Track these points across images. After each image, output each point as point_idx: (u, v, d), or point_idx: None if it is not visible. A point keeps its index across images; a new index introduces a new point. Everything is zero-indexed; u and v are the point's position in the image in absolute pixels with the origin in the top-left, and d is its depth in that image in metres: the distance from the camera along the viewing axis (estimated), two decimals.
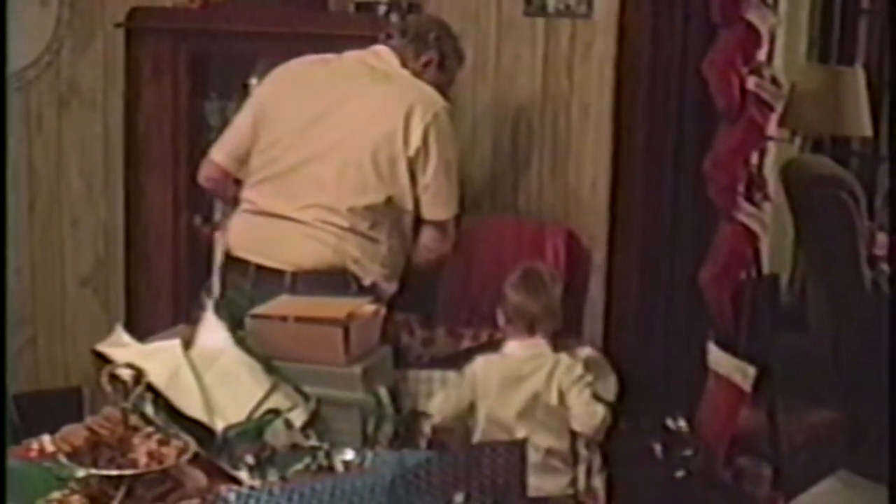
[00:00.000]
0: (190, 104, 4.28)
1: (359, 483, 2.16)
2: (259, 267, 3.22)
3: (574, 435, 3.10)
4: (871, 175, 5.02)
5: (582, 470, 3.13)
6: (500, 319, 3.16)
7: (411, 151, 3.21)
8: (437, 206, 3.32)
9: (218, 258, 3.39)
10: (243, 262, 3.26)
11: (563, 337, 4.04)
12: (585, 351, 3.30)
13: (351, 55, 3.43)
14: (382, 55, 3.40)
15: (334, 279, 3.16)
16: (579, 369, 3.08)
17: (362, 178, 3.20)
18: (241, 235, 3.32)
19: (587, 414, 3.04)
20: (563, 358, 3.10)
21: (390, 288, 3.27)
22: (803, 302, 4.73)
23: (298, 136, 3.29)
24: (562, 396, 3.04)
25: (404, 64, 3.38)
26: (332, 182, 3.20)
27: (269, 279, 3.18)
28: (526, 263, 3.30)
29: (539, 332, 3.12)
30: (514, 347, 3.13)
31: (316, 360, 2.67)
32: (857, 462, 3.83)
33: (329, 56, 3.44)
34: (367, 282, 3.20)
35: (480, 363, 3.11)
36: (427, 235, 3.35)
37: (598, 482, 3.16)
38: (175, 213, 4.30)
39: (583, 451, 3.14)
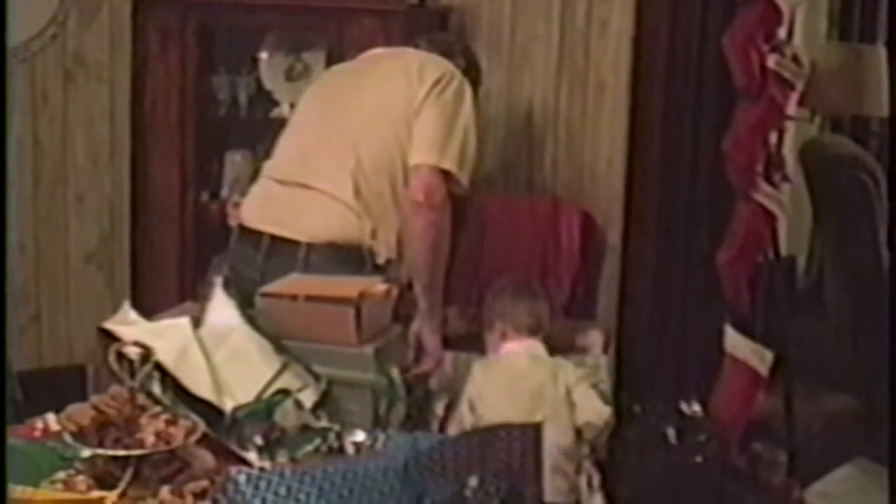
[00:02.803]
0: (198, 78, 4.26)
1: (371, 466, 2.12)
2: (273, 238, 3.18)
3: (577, 439, 3.11)
4: (891, 156, 4.96)
5: (583, 481, 3.12)
6: (497, 329, 3.22)
7: (418, 101, 3.17)
8: (422, 150, 3.14)
9: None
10: (256, 234, 3.22)
11: (577, 318, 4.03)
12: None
13: (377, 49, 3.49)
14: (405, 49, 3.44)
15: (350, 254, 3.13)
16: (581, 371, 3.20)
17: (387, 140, 3.17)
18: (257, 206, 3.29)
19: (593, 409, 3.10)
20: (562, 360, 3.20)
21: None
22: (821, 285, 4.70)
23: (325, 108, 3.32)
24: (567, 394, 3.06)
25: None
26: (357, 145, 3.18)
27: (282, 250, 3.14)
28: (510, 277, 3.41)
29: (538, 336, 3.20)
30: (514, 347, 3.19)
31: (327, 340, 2.64)
32: (874, 449, 3.80)
33: (363, 55, 3.48)
34: (381, 259, 3.17)
35: (478, 368, 3.16)
36: (410, 184, 3.15)
37: (599, 499, 3.16)
38: (182, 188, 4.28)
39: (585, 462, 3.13)
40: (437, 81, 3.17)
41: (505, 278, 3.40)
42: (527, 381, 3.10)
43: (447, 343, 3.34)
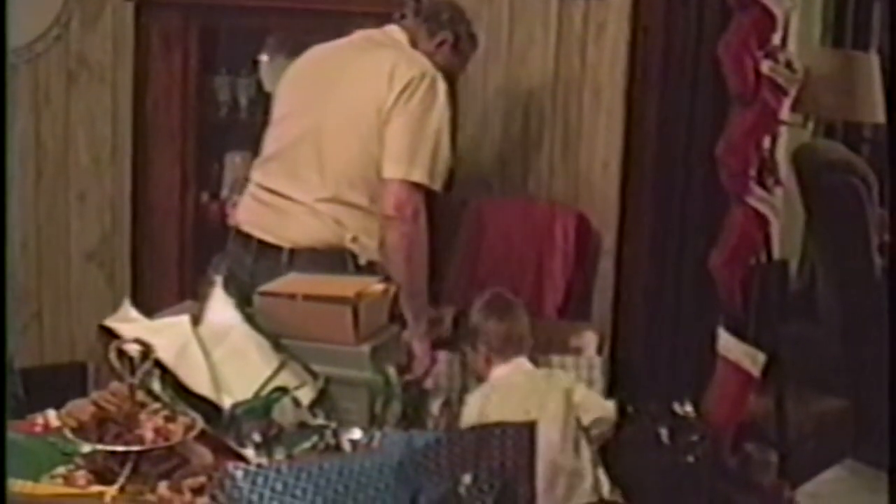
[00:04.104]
0: (199, 79, 4.28)
1: (367, 463, 2.14)
2: (261, 242, 3.25)
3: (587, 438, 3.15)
4: (883, 161, 4.99)
5: (601, 473, 3.15)
6: (481, 352, 3.23)
7: (387, 108, 3.15)
8: (391, 162, 3.13)
9: None
10: (247, 237, 3.29)
11: (572, 319, 4.06)
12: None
13: (358, 33, 3.42)
14: (388, 31, 3.39)
15: (331, 257, 3.16)
16: (571, 373, 3.28)
17: (359, 149, 3.17)
18: (247, 210, 3.35)
19: (599, 405, 3.13)
20: (550, 369, 3.28)
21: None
22: (813, 288, 4.72)
23: (301, 111, 3.31)
24: (567, 398, 3.09)
25: (415, 43, 3.35)
26: (331, 154, 3.20)
27: (268, 255, 3.21)
28: (490, 291, 3.37)
29: (524, 353, 3.23)
30: (503, 371, 3.21)
31: (324, 339, 2.66)
32: (864, 451, 3.83)
33: (341, 40, 3.42)
34: (363, 261, 3.19)
35: (474, 402, 3.15)
36: (382, 197, 3.15)
37: (617, 494, 3.20)
38: (182, 188, 4.30)
39: (596, 459, 3.17)
40: (407, 86, 3.14)
41: (483, 295, 3.37)
42: (527, 399, 3.10)
43: (444, 343, 3.38)
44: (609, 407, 3.19)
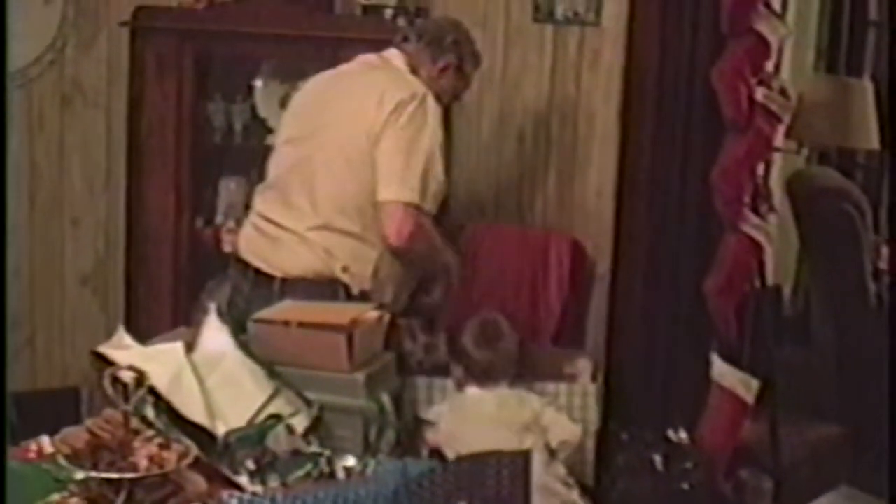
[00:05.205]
0: (194, 105, 4.27)
1: (362, 491, 2.14)
2: (257, 271, 3.27)
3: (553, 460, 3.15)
4: (877, 188, 5.01)
5: (575, 494, 3.15)
6: (459, 372, 3.24)
7: (377, 130, 3.14)
8: (383, 185, 3.13)
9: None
10: (245, 265, 3.31)
11: (566, 346, 4.06)
12: None
13: (359, 59, 3.42)
14: (387, 56, 3.38)
15: (323, 287, 3.16)
16: (544, 398, 3.24)
17: (350, 175, 3.18)
18: (247, 238, 3.36)
19: (566, 428, 3.16)
20: (523, 392, 3.24)
21: (383, 296, 3.20)
22: (807, 314, 4.73)
23: (297, 138, 3.33)
24: (536, 420, 3.10)
25: (416, 68, 3.34)
26: (322, 182, 3.20)
27: (263, 283, 3.22)
28: (486, 315, 3.39)
29: (504, 379, 3.22)
30: (478, 391, 3.21)
31: (319, 367, 2.66)
32: (859, 477, 3.83)
33: (343, 65, 3.43)
34: (356, 291, 3.19)
35: (448, 408, 3.17)
36: (381, 222, 3.15)
37: None
38: (177, 214, 4.29)
39: (569, 479, 3.17)
40: (396, 107, 3.13)
41: (479, 316, 3.39)
42: (498, 421, 3.12)
43: (439, 370, 3.37)
44: (576, 430, 3.22)
